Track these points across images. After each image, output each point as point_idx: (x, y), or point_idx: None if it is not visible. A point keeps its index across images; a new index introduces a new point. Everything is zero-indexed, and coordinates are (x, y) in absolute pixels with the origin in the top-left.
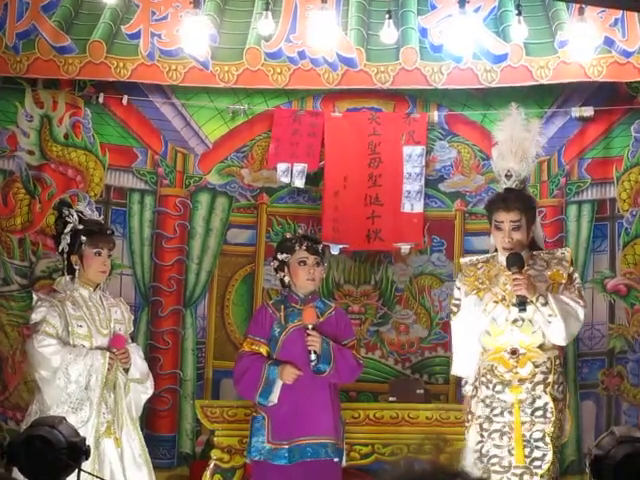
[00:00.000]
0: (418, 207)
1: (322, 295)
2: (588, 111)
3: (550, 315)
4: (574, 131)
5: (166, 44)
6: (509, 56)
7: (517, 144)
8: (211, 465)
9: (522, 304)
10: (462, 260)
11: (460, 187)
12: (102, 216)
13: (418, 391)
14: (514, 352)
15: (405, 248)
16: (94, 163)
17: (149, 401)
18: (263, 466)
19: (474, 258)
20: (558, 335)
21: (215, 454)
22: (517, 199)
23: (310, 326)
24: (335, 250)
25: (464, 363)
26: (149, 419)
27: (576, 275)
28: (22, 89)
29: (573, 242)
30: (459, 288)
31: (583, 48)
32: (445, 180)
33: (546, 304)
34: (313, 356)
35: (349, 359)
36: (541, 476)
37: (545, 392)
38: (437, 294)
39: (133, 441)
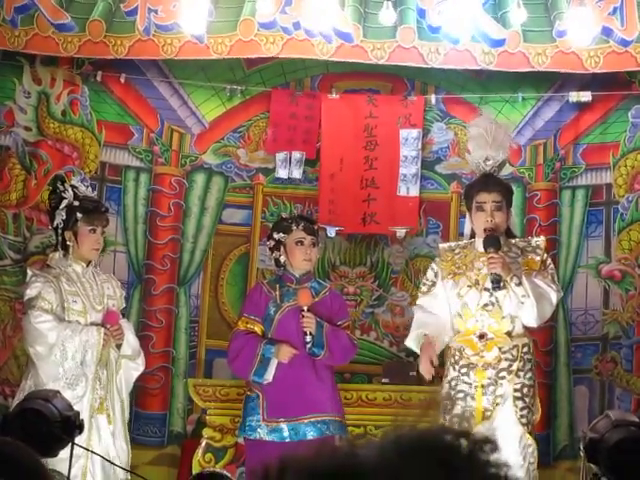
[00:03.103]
0: (414, 191)
1: (317, 276)
2: (586, 96)
3: (523, 296)
4: (570, 116)
5: (162, 19)
6: (507, 42)
7: (491, 136)
8: (203, 444)
9: (496, 282)
10: (441, 245)
11: (456, 169)
12: (96, 192)
13: (411, 373)
14: (482, 336)
15: (400, 232)
16: (90, 140)
17: (140, 379)
18: (259, 444)
19: (452, 244)
20: (530, 316)
21: (207, 433)
22: (498, 181)
23: (305, 308)
24: (331, 232)
25: (427, 325)
26: (140, 397)
27: (550, 262)
28: (20, 65)
29: (566, 227)
30: (434, 270)
31: (581, 37)
32: (442, 162)
33: (520, 284)
34: (309, 337)
35: (343, 340)
36: None
37: (507, 379)
38: None
39: (118, 421)
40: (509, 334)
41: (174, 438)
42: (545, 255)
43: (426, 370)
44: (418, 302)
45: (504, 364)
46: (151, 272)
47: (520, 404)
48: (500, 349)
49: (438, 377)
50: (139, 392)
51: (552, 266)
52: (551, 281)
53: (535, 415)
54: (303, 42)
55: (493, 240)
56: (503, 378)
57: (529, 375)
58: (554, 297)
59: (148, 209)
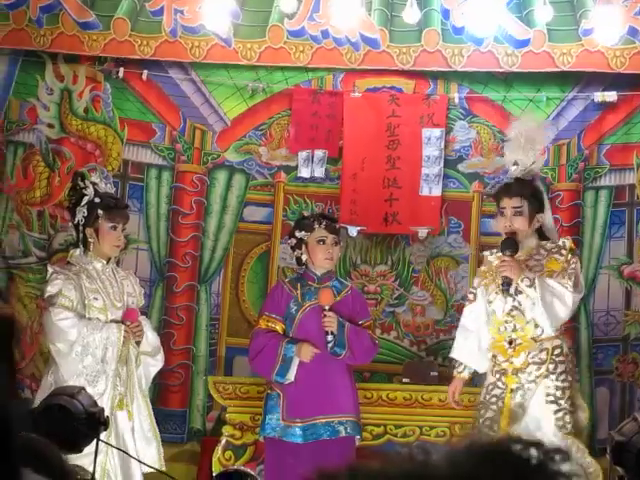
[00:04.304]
0: (436, 191)
1: (338, 275)
2: (611, 96)
3: (534, 298)
4: (594, 116)
5: (188, 20)
6: (531, 41)
7: (526, 139)
8: (222, 441)
9: (505, 285)
10: (484, 252)
11: (478, 168)
12: (119, 190)
13: (432, 373)
14: (511, 342)
15: (422, 232)
16: (112, 137)
17: (161, 376)
18: (276, 443)
19: (493, 250)
20: (541, 318)
21: (227, 431)
22: (521, 186)
23: (327, 307)
24: (353, 232)
25: (462, 348)
26: (160, 394)
27: (573, 262)
28: (43, 62)
29: (589, 228)
30: (476, 279)
31: (607, 36)
32: (463, 161)
33: (531, 286)
34: (330, 337)
35: (365, 340)
36: None
37: (536, 383)
38: (453, 276)
39: (142, 415)
40: (536, 338)
41: (194, 435)
42: (570, 256)
43: (451, 401)
44: (464, 311)
45: (532, 368)
46: (173, 270)
47: (554, 407)
48: (528, 354)
49: None
50: (160, 389)
51: (574, 266)
52: (567, 281)
53: (577, 415)
54: (332, 51)
55: (509, 243)
56: (532, 382)
57: (562, 377)
58: (568, 298)
59: (170, 207)
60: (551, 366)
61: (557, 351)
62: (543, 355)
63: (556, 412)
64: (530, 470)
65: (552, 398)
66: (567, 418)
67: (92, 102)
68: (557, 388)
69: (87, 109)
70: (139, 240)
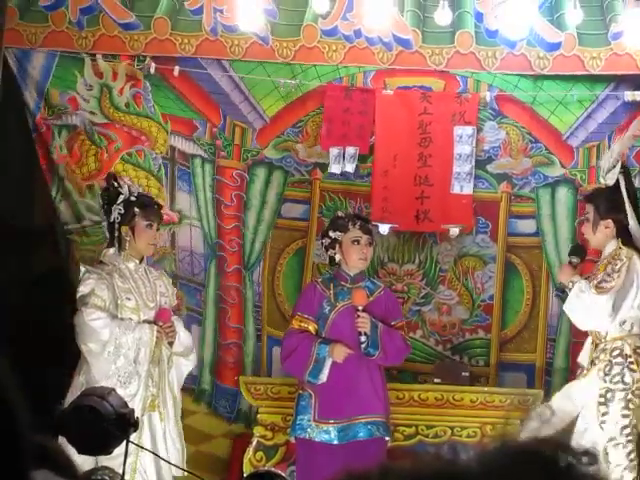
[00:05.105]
0: (467, 189)
1: (368, 274)
2: None
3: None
4: (624, 118)
5: (228, 19)
6: (562, 45)
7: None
8: (254, 442)
9: (558, 290)
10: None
11: (507, 169)
12: (167, 173)
13: (464, 374)
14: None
15: (454, 230)
16: (157, 129)
17: (220, 349)
18: (308, 444)
19: None
20: (573, 320)
21: (258, 431)
22: (590, 194)
23: (360, 307)
24: (384, 230)
25: None
26: (218, 368)
27: (618, 268)
28: (81, 59)
29: None
30: None
31: (636, 38)
32: (492, 161)
33: (570, 290)
34: (363, 338)
35: (397, 341)
36: None
37: (593, 384)
38: (480, 276)
39: (170, 419)
40: (601, 339)
41: (241, 417)
42: (619, 262)
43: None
44: None
45: (593, 369)
46: (222, 250)
47: (602, 409)
48: (590, 355)
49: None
50: (218, 363)
51: (611, 272)
52: (594, 285)
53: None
54: (364, 50)
55: (574, 249)
56: (591, 383)
57: (617, 379)
58: (588, 301)
59: (214, 195)
60: (607, 367)
61: (616, 352)
62: (603, 355)
63: (604, 414)
64: (559, 472)
65: (602, 399)
66: (611, 422)
67: (133, 98)
68: (608, 390)
69: (128, 104)
70: (192, 217)
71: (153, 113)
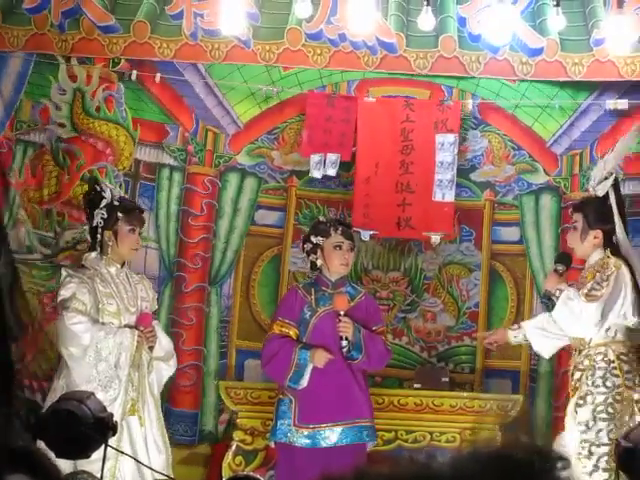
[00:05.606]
0: (449, 196)
1: (350, 280)
2: (622, 104)
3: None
4: (607, 126)
5: (210, 23)
6: (544, 50)
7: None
8: (233, 447)
9: (542, 297)
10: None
11: (490, 177)
12: (129, 189)
13: (443, 379)
14: (579, 351)
15: (435, 238)
16: (124, 137)
17: (172, 376)
18: (289, 449)
19: None
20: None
21: (238, 436)
22: (580, 203)
23: (342, 313)
24: (365, 236)
25: None
26: (172, 394)
27: (607, 277)
28: (56, 64)
29: None
30: None
31: (618, 45)
32: (476, 170)
33: (557, 297)
34: (345, 342)
35: (379, 345)
36: None
37: (575, 389)
38: (465, 283)
39: (153, 422)
40: (584, 345)
41: (205, 437)
42: (608, 271)
43: None
44: None
45: (577, 375)
46: (182, 270)
47: (580, 411)
48: (574, 361)
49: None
50: (171, 388)
51: (600, 281)
52: (584, 294)
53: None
54: (349, 54)
55: (560, 257)
56: (575, 389)
57: (598, 382)
58: (583, 309)
59: (180, 207)
60: (589, 372)
61: (599, 357)
62: (586, 361)
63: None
64: (532, 476)
65: (581, 401)
66: (587, 432)
67: (105, 101)
68: (587, 394)
69: (99, 108)
70: (149, 238)
71: (124, 118)
